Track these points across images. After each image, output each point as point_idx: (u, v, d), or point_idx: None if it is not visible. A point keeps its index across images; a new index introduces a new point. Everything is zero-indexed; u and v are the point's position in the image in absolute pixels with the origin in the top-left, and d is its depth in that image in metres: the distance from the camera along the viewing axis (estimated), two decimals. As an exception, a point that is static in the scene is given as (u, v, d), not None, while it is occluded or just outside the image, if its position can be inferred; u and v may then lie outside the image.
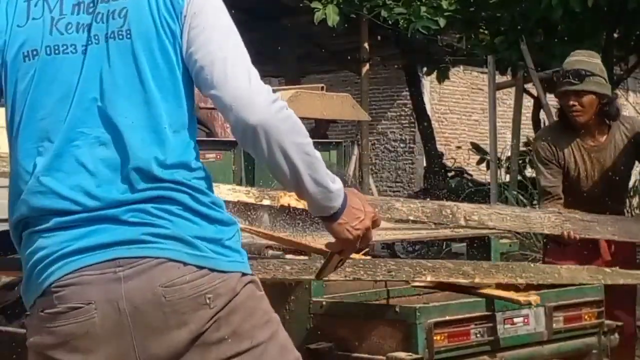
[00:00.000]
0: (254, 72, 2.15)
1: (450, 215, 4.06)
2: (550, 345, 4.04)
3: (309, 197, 2.19)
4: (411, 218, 4.01)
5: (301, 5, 9.85)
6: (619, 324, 4.40)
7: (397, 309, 3.63)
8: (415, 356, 3.52)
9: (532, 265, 4.08)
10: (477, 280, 3.76)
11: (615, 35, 9.63)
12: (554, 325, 4.03)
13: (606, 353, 4.32)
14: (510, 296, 3.73)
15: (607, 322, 4.28)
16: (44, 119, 2.11)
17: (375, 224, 2.29)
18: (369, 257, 3.80)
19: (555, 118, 5.37)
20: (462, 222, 4.05)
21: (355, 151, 8.90)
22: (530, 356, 3.99)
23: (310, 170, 2.14)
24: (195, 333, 2.09)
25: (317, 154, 2.18)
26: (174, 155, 2.13)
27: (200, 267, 2.10)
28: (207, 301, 2.09)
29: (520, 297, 3.73)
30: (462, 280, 3.74)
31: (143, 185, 2.09)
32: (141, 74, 2.11)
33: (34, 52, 2.13)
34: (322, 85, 5.20)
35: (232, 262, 2.15)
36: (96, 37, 2.13)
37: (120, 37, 2.12)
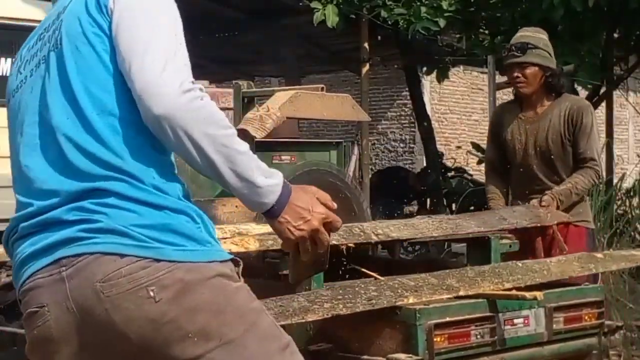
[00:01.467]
0: (176, 64, 2.08)
1: (362, 233, 4.01)
2: (550, 346, 4.04)
3: (234, 192, 2.09)
4: (333, 242, 3.92)
5: (301, 5, 9.84)
6: (619, 324, 4.41)
7: (398, 310, 3.63)
8: (415, 357, 3.51)
9: (519, 264, 4.05)
10: (462, 292, 3.73)
11: (616, 35, 9.63)
12: (554, 326, 4.02)
13: (606, 354, 4.32)
14: (515, 293, 3.73)
15: (608, 322, 4.28)
16: (15, 144, 2.20)
17: (329, 226, 2.16)
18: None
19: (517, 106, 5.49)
20: (374, 237, 4.01)
21: (355, 151, 8.89)
22: (530, 357, 3.99)
23: (229, 163, 2.05)
24: (148, 328, 2.00)
25: (241, 146, 2.09)
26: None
27: (141, 258, 2.01)
28: (151, 294, 1.99)
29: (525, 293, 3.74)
30: (447, 295, 3.69)
31: (78, 180, 2.06)
32: (68, 72, 2.11)
33: (10, 95, 2.27)
34: (322, 85, 5.19)
35: (182, 250, 2.04)
36: (44, 58, 2.18)
37: (56, 48, 2.16)
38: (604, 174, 8.93)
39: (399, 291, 3.60)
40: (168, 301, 2.00)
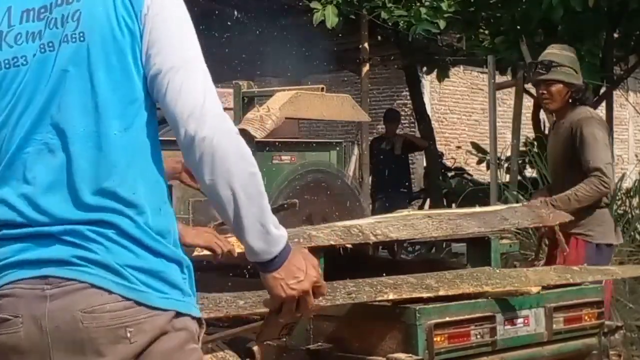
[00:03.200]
0: (210, 87, 2.06)
1: (360, 234, 3.99)
2: (550, 346, 4.04)
3: (241, 231, 2.04)
4: (332, 242, 3.91)
5: (301, 5, 9.84)
6: (619, 324, 4.41)
7: (397, 310, 3.63)
8: (415, 357, 3.51)
9: (497, 270, 4.07)
10: (441, 292, 3.73)
11: (616, 35, 9.62)
12: (554, 326, 4.03)
13: (606, 354, 4.32)
14: (517, 289, 3.74)
15: (607, 322, 4.28)
16: (1, 130, 2.07)
17: (317, 291, 2.15)
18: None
19: (554, 118, 5.65)
20: (372, 238, 3.99)
21: (355, 151, 8.89)
22: (530, 357, 3.99)
23: (250, 201, 2.02)
24: None
25: (263, 188, 2.06)
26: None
27: (126, 299, 1.99)
28: (127, 334, 1.98)
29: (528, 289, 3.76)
30: (426, 295, 3.69)
31: (81, 206, 2.00)
32: (95, 77, 2.02)
33: None
34: (322, 85, 5.19)
35: (166, 298, 2.02)
36: (50, 45, 2.05)
37: (74, 40, 2.03)
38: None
39: (378, 287, 3.60)
40: (140, 345, 1.99)
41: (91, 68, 2.02)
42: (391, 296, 3.62)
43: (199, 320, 2.11)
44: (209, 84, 2.06)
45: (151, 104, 2.08)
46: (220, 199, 2.03)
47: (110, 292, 1.98)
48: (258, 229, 2.04)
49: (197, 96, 2.02)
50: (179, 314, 2.04)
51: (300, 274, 2.11)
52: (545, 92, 5.22)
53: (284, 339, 2.60)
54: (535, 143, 9.59)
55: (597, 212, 5.18)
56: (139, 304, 1.99)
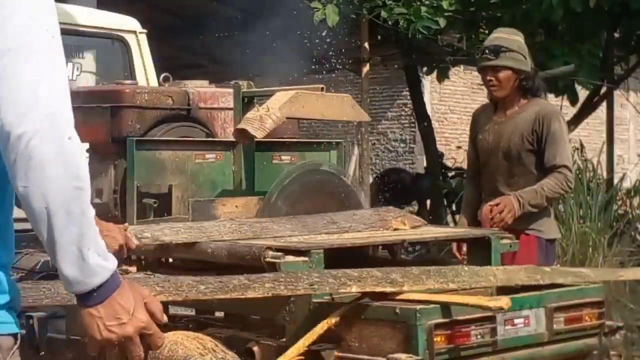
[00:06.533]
0: (52, 79, 1.74)
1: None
2: (551, 346, 4.03)
3: (58, 256, 1.75)
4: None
5: (301, 4, 9.83)
6: (620, 324, 4.40)
7: (397, 310, 3.62)
8: (415, 357, 3.50)
9: (465, 268, 4.03)
10: (405, 287, 3.70)
11: (616, 35, 9.62)
12: (555, 326, 4.02)
13: (607, 354, 4.32)
14: (479, 302, 3.64)
15: (608, 322, 4.27)
16: None
17: (150, 340, 1.85)
18: None
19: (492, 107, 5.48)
20: (135, 241, 3.71)
21: (355, 151, 8.89)
22: (530, 357, 3.98)
23: (71, 223, 1.73)
24: None
25: (90, 209, 1.77)
26: None
27: None
28: None
29: (490, 302, 3.62)
30: (390, 289, 3.66)
31: None
32: None
33: None
34: (322, 85, 5.18)
35: None
36: None
37: None
38: (605, 174, 8.93)
39: (342, 279, 3.59)
40: None
41: None
42: (354, 289, 3.60)
43: (13, 335, 1.86)
44: (54, 77, 1.75)
45: None
46: (32, 212, 1.73)
47: None
48: (74, 254, 1.74)
49: (25, 85, 1.71)
50: None
51: (124, 315, 1.80)
52: (493, 78, 4.99)
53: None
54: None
55: (545, 208, 5.07)
56: None
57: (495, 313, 3.68)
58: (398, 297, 3.72)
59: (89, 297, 1.79)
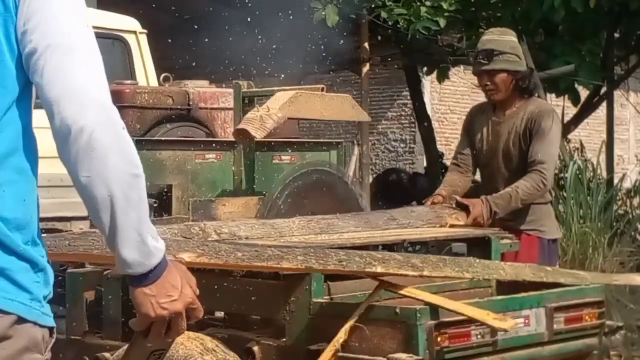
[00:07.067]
0: (97, 73, 1.82)
1: (201, 232, 3.96)
2: (550, 346, 4.03)
3: (119, 241, 1.82)
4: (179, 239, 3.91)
5: (301, 4, 9.84)
6: (620, 324, 4.40)
7: (398, 310, 3.62)
8: (415, 357, 3.50)
9: (477, 260, 4.05)
10: (425, 272, 3.74)
11: (616, 34, 9.62)
12: (555, 326, 4.02)
13: (607, 354, 4.31)
14: (484, 319, 3.62)
15: (608, 322, 4.27)
16: None
17: (192, 314, 1.94)
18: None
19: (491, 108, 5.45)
20: (214, 236, 3.92)
21: (355, 151, 8.88)
22: (530, 357, 3.98)
23: (131, 209, 1.81)
24: None
25: (145, 195, 1.85)
26: None
27: None
28: None
29: (496, 321, 3.61)
30: (411, 272, 3.70)
31: None
32: None
33: None
34: (322, 85, 5.18)
35: (8, 299, 1.81)
36: None
37: None
38: (605, 174, 8.93)
39: (367, 259, 3.63)
40: None
41: None
42: (379, 269, 3.64)
43: (50, 329, 1.91)
44: (96, 69, 1.82)
45: (27, 92, 1.85)
46: (95, 201, 1.80)
47: None
48: (134, 237, 1.83)
49: (79, 80, 1.79)
50: (21, 320, 1.83)
51: (175, 292, 1.89)
52: (489, 82, 4.93)
53: None
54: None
55: (545, 207, 5.05)
56: None
57: (498, 331, 3.68)
58: (407, 298, 3.74)
59: (145, 278, 1.87)
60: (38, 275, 1.88)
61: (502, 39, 5.01)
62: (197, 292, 1.97)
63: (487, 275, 3.96)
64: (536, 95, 5.11)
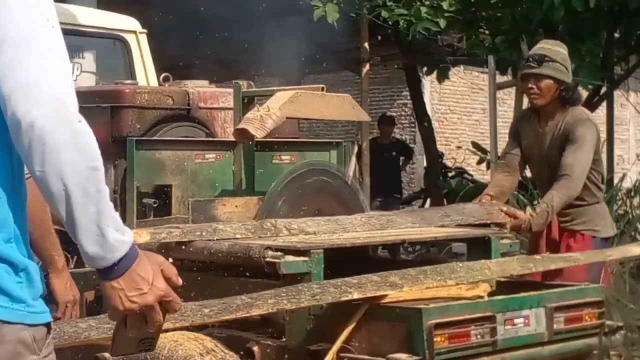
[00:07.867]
0: (58, 68, 1.80)
1: (273, 228, 4.16)
2: (550, 346, 4.04)
3: (79, 235, 1.81)
4: (238, 236, 4.05)
5: (301, 3, 9.83)
6: (620, 324, 4.40)
7: (398, 310, 3.62)
8: (415, 357, 3.51)
9: (460, 264, 4.06)
10: (405, 289, 3.74)
11: (616, 34, 9.62)
12: (555, 326, 4.02)
13: (607, 354, 4.32)
14: (460, 294, 3.74)
15: (608, 322, 4.27)
16: None
17: (168, 306, 1.91)
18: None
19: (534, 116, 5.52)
20: (285, 232, 4.16)
21: (355, 151, 8.87)
22: (530, 357, 3.99)
23: (88, 202, 1.79)
24: None
25: (104, 187, 1.82)
26: None
27: None
28: None
29: (470, 292, 3.76)
30: (390, 292, 3.70)
31: None
32: None
33: None
34: (322, 85, 5.18)
35: None
36: None
37: None
38: (605, 173, 8.91)
39: (342, 288, 3.62)
40: None
41: None
42: (356, 295, 3.63)
43: (46, 325, 1.90)
44: (54, 63, 1.79)
45: None
46: (51, 195, 1.79)
47: None
48: (94, 231, 1.81)
49: (33, 74, 1.76)
50: (4, 323, 1.81)
51: (144, 285, 1.86)
52: (534, 86, 5.07)
53: (144, 354, 2.24)
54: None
55: (599, 207, 5.18)
56: None
57: (474, 300, 3.78)
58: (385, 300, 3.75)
59: (111, 271, 1.85)
60: (20, 275, 1.86)
61: (554, 49, 5.17)
62: (180, 282, 1.94)
63: (472, 278, 3.95)
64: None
